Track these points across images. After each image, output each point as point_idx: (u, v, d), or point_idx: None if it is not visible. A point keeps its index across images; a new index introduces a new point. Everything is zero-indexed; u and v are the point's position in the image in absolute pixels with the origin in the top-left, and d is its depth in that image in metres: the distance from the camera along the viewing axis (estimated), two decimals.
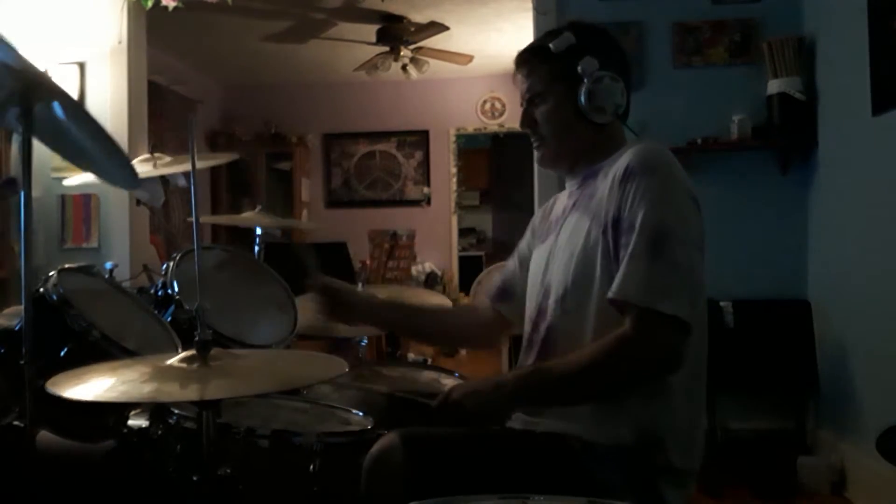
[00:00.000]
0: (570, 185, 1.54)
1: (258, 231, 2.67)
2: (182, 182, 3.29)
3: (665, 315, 1.24)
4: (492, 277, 2.16)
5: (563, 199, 1.56)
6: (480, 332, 1.77)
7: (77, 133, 1.59)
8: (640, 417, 1.31)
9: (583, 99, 1.42)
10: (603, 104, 1.42)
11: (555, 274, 1.44)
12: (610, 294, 1.29)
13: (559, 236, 1.48)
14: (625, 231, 1.30)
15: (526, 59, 1.51)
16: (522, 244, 1.69)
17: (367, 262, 6.35)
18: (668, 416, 1.32)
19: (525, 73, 1.50)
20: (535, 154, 1.55)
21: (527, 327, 1.52)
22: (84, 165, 1.81)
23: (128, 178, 1.75)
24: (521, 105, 1.52)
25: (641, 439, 1.31)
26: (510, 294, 1.68)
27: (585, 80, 1.41)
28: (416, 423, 1.44)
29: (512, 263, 1.71)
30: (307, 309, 1.88)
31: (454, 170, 7.71)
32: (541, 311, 1.46)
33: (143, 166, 2.78)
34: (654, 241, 1.27)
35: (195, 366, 1.23)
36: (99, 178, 1.83)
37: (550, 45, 1.44)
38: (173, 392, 1.21)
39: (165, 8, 3.94)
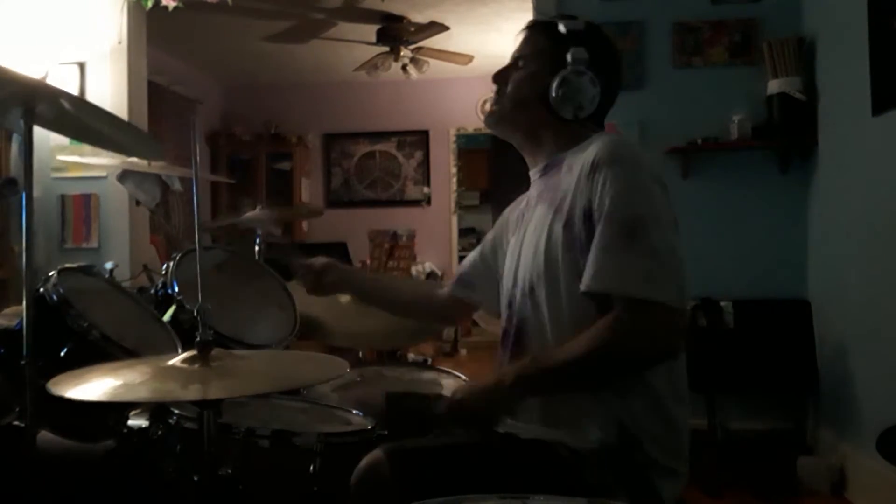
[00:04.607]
0: (533, 173, 1.54)
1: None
2: (178, 186, 3.30)
3: (655, 303, 1.24)
4: None
5: (531, 190, 1.56)
6: (438, 307, 1.82)
7: (87, 121, 1.60)
8: (619, 417, 1.31)
9: (555, 82, 1.41)
10: (570, 96, 1.41)
11: (523, 267, 1.45)
12: (584, 286, 1.28)
13: (527, 229, 1.49)
14: (597, 222, 1.30)
15: (532, 26, 1.55)
16: (489, 235, 1.72)
17: (367, 261, 6.36)
18: (649, 412, 1.32)
19: (524, 37, 1.53)
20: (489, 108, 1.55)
21: (503, 320, 1.52)
22: (106, 146, 1.86)
23: (151, 148, 1.80)
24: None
25: (624, 438, 1.31)
26: (468, 283, 1.73)
27: (568, 66, 1.41)
28: (415, 423, 1.45)
29: (475, 253, 1.75)
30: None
31: (454, 170, 7.71)
32: (513, 304, 1.47)
33: (140, 167, 2.79)
34: (629, 230, 1.27)
35: (196, 366, 1.23)
36: (125, 155, 1.88)
37: (559, 23, 1.46)
38: (174, 392, 1.21)
39: (165, 8, 3.94)
